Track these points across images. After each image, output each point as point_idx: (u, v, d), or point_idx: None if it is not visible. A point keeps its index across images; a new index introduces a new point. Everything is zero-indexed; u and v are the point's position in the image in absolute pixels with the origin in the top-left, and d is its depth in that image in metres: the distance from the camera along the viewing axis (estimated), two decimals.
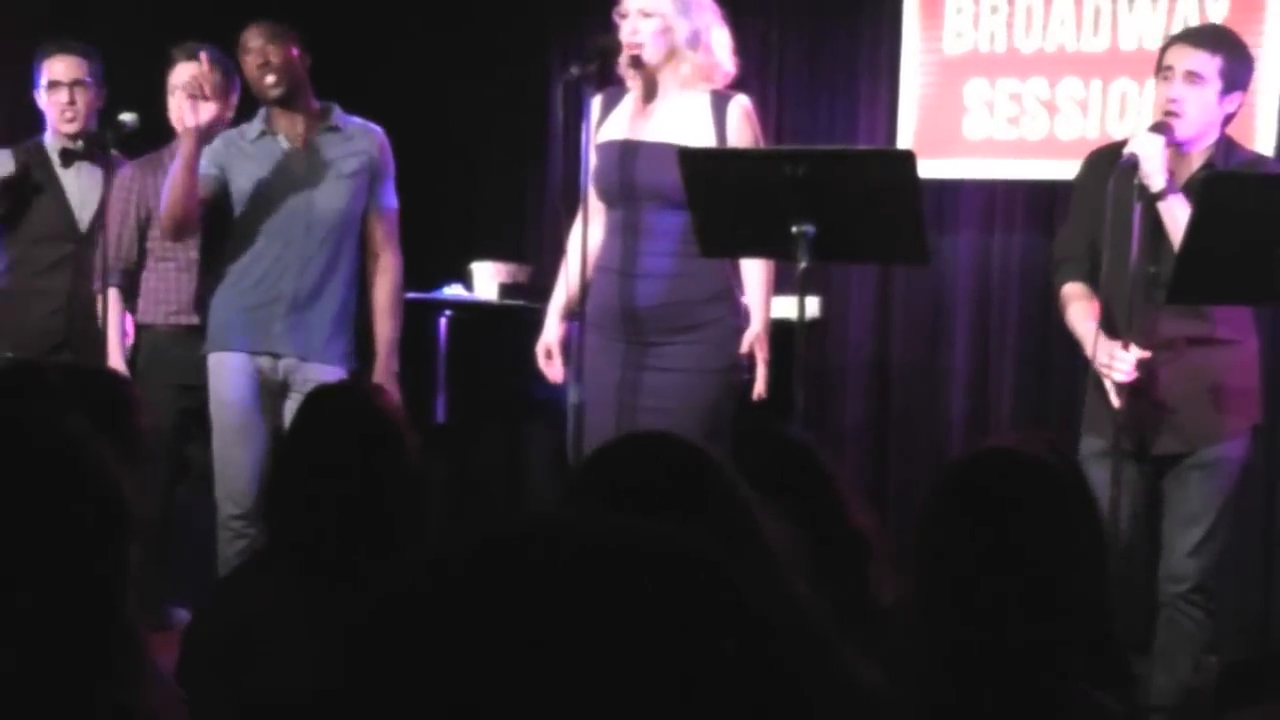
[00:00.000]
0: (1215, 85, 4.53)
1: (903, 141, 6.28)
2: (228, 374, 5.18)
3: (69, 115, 5.69)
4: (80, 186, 5.60)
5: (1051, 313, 4.89)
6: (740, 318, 4.81)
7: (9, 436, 1.81)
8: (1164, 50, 4.63)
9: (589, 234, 4.77)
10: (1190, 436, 4.58)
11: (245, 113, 5.47)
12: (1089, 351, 4.50)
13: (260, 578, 3.03)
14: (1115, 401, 4.47)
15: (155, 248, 5.55)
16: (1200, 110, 4.53)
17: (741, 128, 4.77)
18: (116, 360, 5.39)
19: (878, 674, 1.94)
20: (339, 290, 5.24)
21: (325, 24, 5.47)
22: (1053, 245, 4.93)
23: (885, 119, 6.51)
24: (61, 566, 1.73)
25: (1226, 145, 4.61)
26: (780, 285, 4.97)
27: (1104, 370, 4.47)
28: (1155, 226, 4.50)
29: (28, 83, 5.82)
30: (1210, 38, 4.66)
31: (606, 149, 4.86)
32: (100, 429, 1.86)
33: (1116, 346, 4.44)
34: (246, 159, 5.24)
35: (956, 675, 2.16)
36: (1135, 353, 4.44)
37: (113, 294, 5.47)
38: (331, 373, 5.12)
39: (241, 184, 5.23)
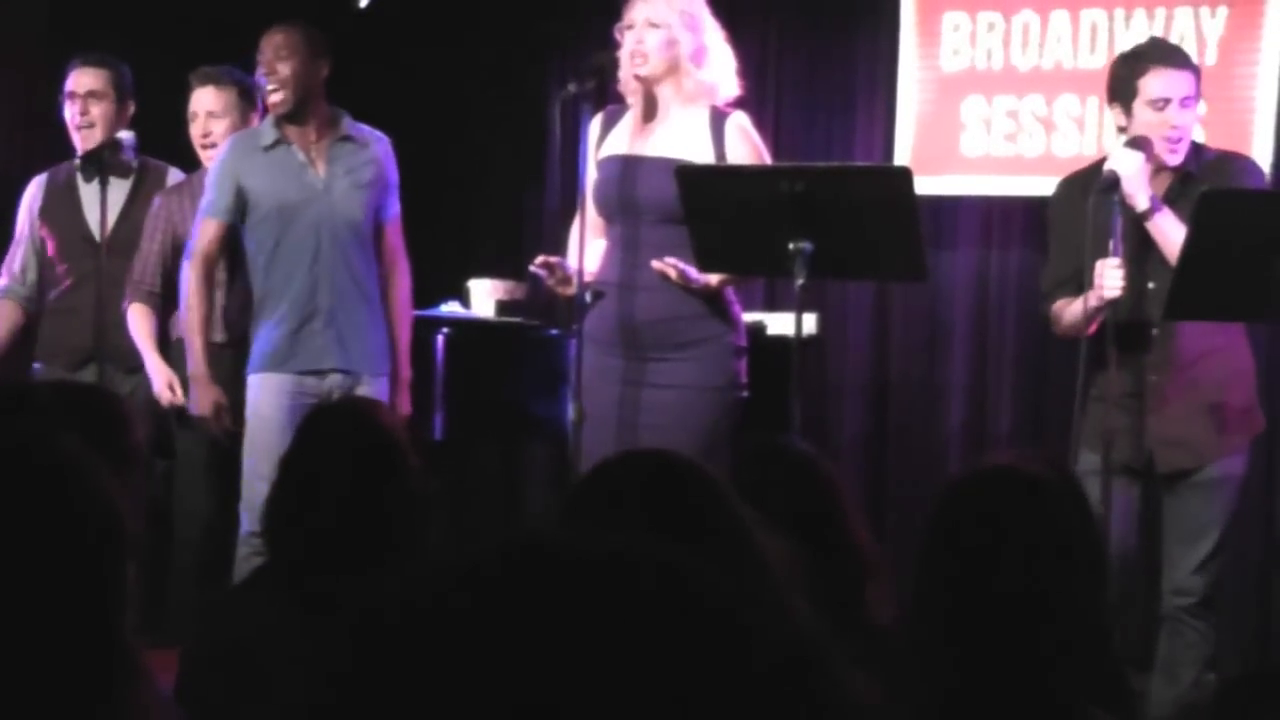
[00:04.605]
0: (1198, 101, 4.55)
1: (900, 159, 6.28)
2: (268, 394, 5.17)
3: (82, 126, 5.63)
4: (100, 200, 5.55)
5: (1049, 327, 4.88)
6: (739, 335, 4.81)
7: (4, 456, 1.81)
8: (1141, 75, 4.50)
9: (587, 251, 4.77)
10: (1197, 452, 4.57)
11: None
12: (1090, 303, 4.40)
13: (259, 596, 3.02)
14: (1093, 323, 4.39)
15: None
16: (1192, 129, 4.54)
17: (739, 143, 4.77)
18: (159, 371, 5.41)
19: (876, 692, 1.93)
20: (371, 300, 5.26)
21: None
22: (1040, 281, 4.89)
23: (882, 136, 6.51)
24: (58, 586, 1.73)
25: (1195, 149, 4.61)
26: (778, 302, 4.97)
27: (1098, 286, 4.37)
28: (1143, 241, 4.48)
29: (25, 105, 5.82)
30: (1183, 55, 4.62)
31: (607, 164, 4.87)
32: (94, 446, 1.86)
33: (1103, 264, 4.37)
34: (262, 171, 5.22)
35: (954, 693, 2.16)
36: (1117, 266, 4.34)
37: (134, 310, 5.49)
38: (378, 383, 5.16)
39: (261, 198, 5.22)
